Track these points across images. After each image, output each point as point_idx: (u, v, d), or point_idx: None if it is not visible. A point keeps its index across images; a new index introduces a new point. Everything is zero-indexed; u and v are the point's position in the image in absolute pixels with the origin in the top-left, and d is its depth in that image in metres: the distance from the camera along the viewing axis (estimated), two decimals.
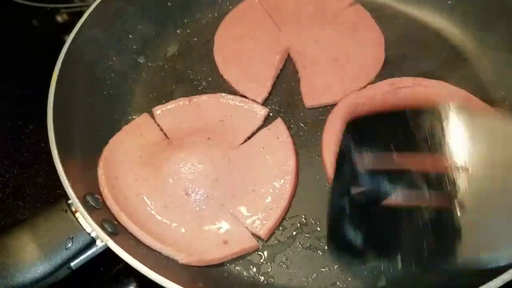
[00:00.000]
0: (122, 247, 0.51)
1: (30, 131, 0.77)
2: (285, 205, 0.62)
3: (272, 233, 0.62)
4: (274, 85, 0.76)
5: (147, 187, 0.62)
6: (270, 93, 0.75)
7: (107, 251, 0.53)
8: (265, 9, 0.84)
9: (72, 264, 0.53)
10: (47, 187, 0.69)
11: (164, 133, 0.70)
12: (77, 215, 0.54)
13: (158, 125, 0.70)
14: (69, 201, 0.54)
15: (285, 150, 0.66)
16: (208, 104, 0.71)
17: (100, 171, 0.63)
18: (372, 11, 0.82)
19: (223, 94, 0.72)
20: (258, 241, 0.61)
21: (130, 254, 0.50)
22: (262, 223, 0.61)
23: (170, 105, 0.72)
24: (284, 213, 0.63)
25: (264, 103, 0.74)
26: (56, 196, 0.57)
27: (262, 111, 0.70)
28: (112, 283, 0.63)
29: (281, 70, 0.78)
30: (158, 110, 0.71)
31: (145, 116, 0.71)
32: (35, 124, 0.77)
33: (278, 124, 0.69)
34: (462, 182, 0.41)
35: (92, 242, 0.53)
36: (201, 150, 0.64)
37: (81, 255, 0.53)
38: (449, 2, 0.82)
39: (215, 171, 0.62)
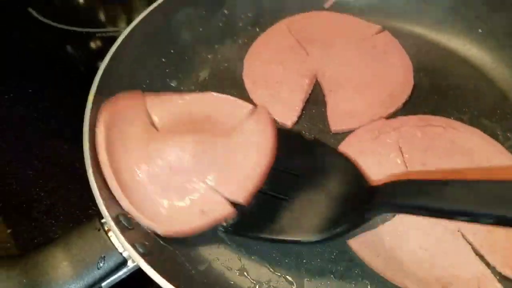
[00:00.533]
0: (153, 268, 0.51)
1: (64, 151, 0.79)
2: (263, 170, 0.63)
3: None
4: (303, 110, 0.76)
5: (135, 158, 0.63)
6: (299, 118, 0.75)
7: (138, 272, 0.53)
8: (293, 34, 0.86)
9: (103, 283, 0.53)
10: (80, 207, 0.70)
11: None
12: (109, 234, 0.54)
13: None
14: (103, 220, 0.55)
15: (266, 133, 0.67)
16: (196, 100, 0.73)
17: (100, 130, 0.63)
18: (399, 37, 0.83)
19: (212, 92, 0.73)
20: (236, 207, 0.61)
21: (162, 275, 0.50)
22: (240, 190, 0.61)
23: (162, 95, 0.73)
24: (263, 178, 0.63)
25: (293, 128, 0.74)
26: (88, 216, 0.57)
27: (248, 107, 0.71)
28: None
29: (311, 94, 0.78)
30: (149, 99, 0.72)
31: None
32: (70, 143, 0.79)
33: (261, 111, 0.70)
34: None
35: (123, 262, 0.53)
36: (189, 133, 0.66)
37: (112, 275, 0.53)
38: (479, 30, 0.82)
39: (200, 152, 0.64)
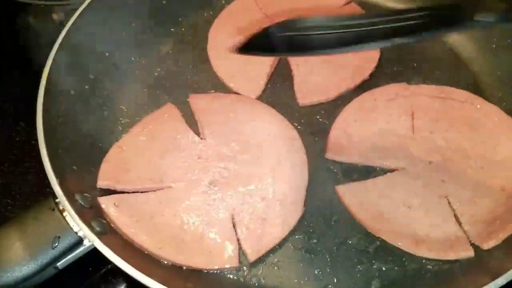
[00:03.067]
0: (109, 247, 0.50)
1: (21, 129, 0.76)
2: (286, 233, 0.60)
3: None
4: (268, 83, 0.75)
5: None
6: (263, 91, 0.74)
7: (96, 250, 0.51)
8: (260, 7, 0.83)
9: (58, 264, 0.52)
10: (37, 185, 0.68)
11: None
12: (64, 214, 0.53)
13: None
14: (57, 200, 0.53)
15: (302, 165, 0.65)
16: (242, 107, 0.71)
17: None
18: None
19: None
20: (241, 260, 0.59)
21: (117, 254, 0.49)
22: (254, 246, 0.59)
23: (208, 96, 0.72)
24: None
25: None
26: (46, 194, 0.56)
27: (292, 132, 0.68)
28: (100, 283, 0.62)
29: (276, 68, 0.77)
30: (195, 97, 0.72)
31: (169, 106, 0.71)
32: (27, 122, 0.76)
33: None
34: None
35: (79, 241, 0.52)
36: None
37: (68, 254, 0.52)
38: None
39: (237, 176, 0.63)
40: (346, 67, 0.75)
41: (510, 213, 0.58)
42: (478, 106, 0.68)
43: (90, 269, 0.61)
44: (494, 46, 0.75)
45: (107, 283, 0.62)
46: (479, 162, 0.63)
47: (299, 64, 0.76)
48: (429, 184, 0.62)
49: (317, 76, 0.74)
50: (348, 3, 0.83)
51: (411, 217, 0.60)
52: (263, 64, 0.75)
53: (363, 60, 0.76)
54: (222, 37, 0.79)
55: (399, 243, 0.58)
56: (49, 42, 0.67)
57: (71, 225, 0.52)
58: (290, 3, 0.83)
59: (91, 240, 0.50)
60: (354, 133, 0.67)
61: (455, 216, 0.60)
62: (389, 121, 0.68)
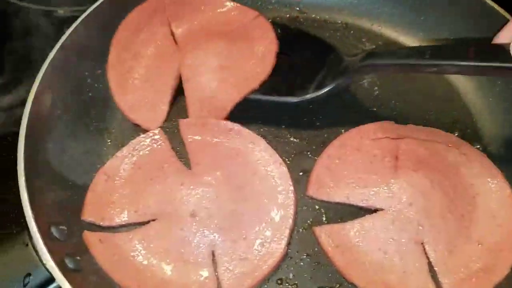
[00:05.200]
0: None
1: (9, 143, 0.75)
2: (266, 274, 0.59)
3: None
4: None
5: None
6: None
7: None
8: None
9: None
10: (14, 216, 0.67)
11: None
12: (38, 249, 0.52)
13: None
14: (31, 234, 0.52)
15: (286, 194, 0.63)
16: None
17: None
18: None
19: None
20: None
21: None
22: (233, 286, 0.58)
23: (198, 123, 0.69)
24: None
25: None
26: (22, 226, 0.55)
27: (282, 169, 0.65)
28: None
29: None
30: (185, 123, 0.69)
31: (158, 132, 0.69)
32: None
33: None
34: None
35: (51, 279, 0.51)
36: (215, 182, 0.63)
37: None
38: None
39: (220, 206, 0.62)
40: (235, 78, 0.71)
41: (485, 272, 0.57)
42: (464, 152, 0.66)
43: None
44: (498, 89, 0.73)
45: None
46: (460, 209, 0.61)
47: (189, 79, 0.72)
48: (407, 229, 0.60)
49: (205, 90, 0.71)
50: (256, 17, 0.78)
51: (386, 263, 0.59)
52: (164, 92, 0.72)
53: (253, 70, 0.72)
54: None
55: None
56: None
57: (44, 262, 0.51)
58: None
59: (59, 282, 0.49)
60: (337, 171, 0.65)
61: (429, 264, 0.58)
62: (372, 161, 0.66)
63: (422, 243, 0.59)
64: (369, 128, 0.69)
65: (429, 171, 0.64)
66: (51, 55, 0.66)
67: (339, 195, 0.64)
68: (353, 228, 0.61)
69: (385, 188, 0.63)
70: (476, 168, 0.65)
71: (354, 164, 0.66)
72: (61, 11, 0.92)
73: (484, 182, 0.64)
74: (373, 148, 0.67)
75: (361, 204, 0.63)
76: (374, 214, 0.62)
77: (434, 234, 0.59)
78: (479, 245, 0.59)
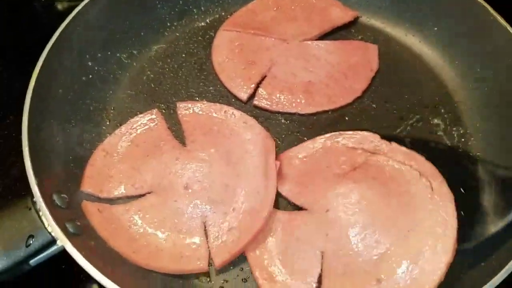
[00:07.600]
0: (79, 251, 0.52)
1: (10, 122, 0.78)
2: (250, 238, 0.61)
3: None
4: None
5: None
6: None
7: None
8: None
9: (31, 261, 0.54)
10: (20, 180, 0.69)
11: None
12: (40, 213, 0.55)
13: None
14: (34, 199, 0.55)
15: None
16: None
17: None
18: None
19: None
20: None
21: (88, 259, 0.51)
22: (221, 253, 0.60)
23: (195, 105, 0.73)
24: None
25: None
26: (28, 190, 0.57)
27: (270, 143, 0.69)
28: (72, 281, 0.64)
29: None
30: (182, 106, 0.73)
31: (155, 112, 0.72)
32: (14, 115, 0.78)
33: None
34: None
35: (52, 241, 0.54)
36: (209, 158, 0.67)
37: (40, 253, 0.54)
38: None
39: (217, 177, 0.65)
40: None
41: None
42: (433, 187, 0.62)
43: (63, 266, 0.63)
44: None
45: (79, 281, 0.64)
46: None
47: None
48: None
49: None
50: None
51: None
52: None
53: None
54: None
55: None
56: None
57: (46, 225, 0.54)
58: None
59: (62, 242, 0.52)
60: (297, 166, 0.68)
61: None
62: (329, 165, 0.67)
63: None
64: (352, 135, 0.69)
65: (374, 189, 0.63)
66: (53, 39, 0.69)
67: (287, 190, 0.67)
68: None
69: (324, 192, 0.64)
70: (434, 207, 0.60)
71: (315, 164, 0.67)
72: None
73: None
74: (341, 156, 0.68)
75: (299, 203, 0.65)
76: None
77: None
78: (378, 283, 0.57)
